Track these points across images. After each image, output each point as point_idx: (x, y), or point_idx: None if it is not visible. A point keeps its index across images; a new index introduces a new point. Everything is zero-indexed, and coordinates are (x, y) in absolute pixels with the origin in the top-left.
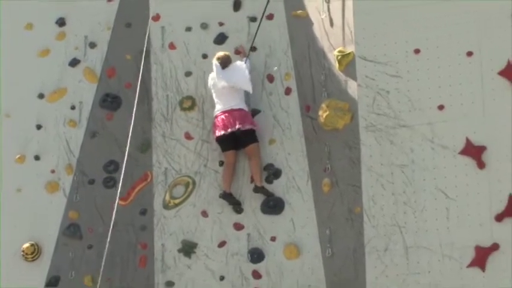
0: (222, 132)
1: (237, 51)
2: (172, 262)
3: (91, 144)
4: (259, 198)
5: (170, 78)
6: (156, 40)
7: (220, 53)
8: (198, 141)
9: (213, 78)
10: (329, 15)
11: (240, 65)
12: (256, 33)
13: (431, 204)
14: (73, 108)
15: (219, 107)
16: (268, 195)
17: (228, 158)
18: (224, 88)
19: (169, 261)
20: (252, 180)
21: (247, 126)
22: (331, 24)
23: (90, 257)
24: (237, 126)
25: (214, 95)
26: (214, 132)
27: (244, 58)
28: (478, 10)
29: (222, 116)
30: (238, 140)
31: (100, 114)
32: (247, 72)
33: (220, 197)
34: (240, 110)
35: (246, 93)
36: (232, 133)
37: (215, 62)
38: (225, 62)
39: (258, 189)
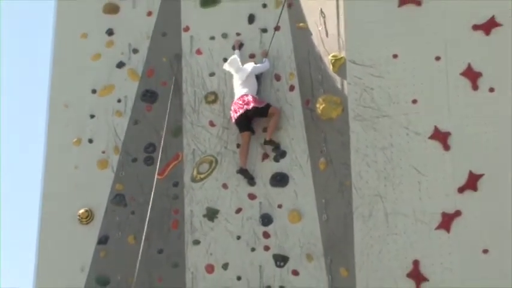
0: (238, 114)
1: (236, 46)
2: (199, 225)
3: (134, 130)
4: (269, 173)
5: (197, 77)
6: (186, 47)
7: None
8: (220, 127)
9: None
10: (325, 27)
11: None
12: (271, 43)
13: (406, 179)
14: (119, 101)
15: (236, 96)
16: (275, 146)
17: (244, 138)
18: (241, 77)
19: (196, 224)
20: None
21: (261, 105)
22: (327, 34)
23: (132, 221)
24: (252, 105)
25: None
26: (232, 117)
27: (264, 58)
28: (444, 23)
29: (238, 101)
30: (253, 119)
31: (141, 106)
32: (258, 66)
33: (237, 172)
34: (249, 95)
35: (258, 90)
36: (246, 115)
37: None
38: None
39: (266, 142)
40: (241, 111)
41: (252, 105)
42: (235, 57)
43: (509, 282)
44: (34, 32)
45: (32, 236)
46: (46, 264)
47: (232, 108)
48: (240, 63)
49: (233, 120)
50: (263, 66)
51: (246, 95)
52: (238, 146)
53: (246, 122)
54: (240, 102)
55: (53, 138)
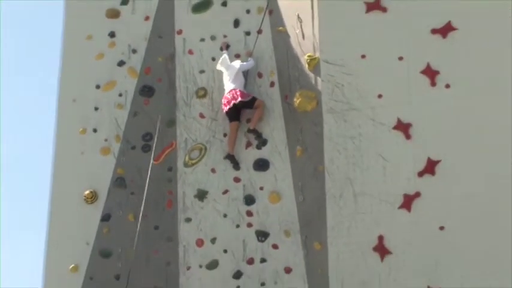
0: (228, 106)
1: (224, 47)
2: (190, 204)
3: (133, 121)
4: (252, 159)
5: (189, 74)
6: (179, 47)
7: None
8: (209, 119)
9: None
10: (301, 31)
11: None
12: (254, 44)
13: (372, 164)
14: (120, 95)
15: (226, 91)
16: (258, 135)
17: (232, 127)
18: (231, 74)
19: (188, 203)
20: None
21: (247, 98)
22: (303, 37)
23: (132, 201)
24: (240, 99)
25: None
26: (223, 109)
27: (249, 58)
28: (406, 28)
29: (227, 95)
30: (241, 111)
31: (139, 100)
32: (244, 64)
33: (225, 158)
34: (238, 89)
35: (244, 85)
36: (235, 107)
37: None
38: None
39: (250, 131)
40: (231, 104)
41: (239, 99)
42: (225, 56)
43: (462, 255)
44: (45, 35)
45: (43, 215)
46: (55, 239)
47: (222, 101)
48: (229, 62)
49: (224, 111)
50: (248, 64)
51: (235, 89)
52: (225, 135)
53: (235, 113)
54: (229, 96)
55: (62, 128)
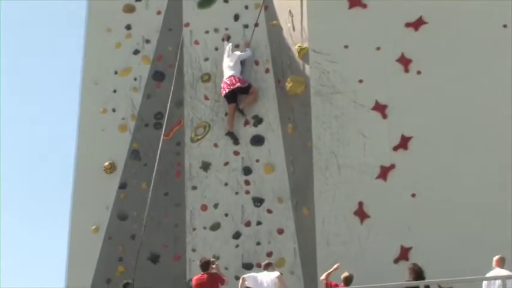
0: (227, 90)
1: (225, 38)
2: (196, 174)
3: (146, 102)
4: (249, 135)
5: (195, 62)
6: (187, 39)
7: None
8: (212, 100)
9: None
10: (292, 24)
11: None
12: (252, 36)
13: (353, 140)
14: (135, 79)
15: (225, 76)
16: (243, 113)
17: (231, 108)
18: (231, 61)
19: (194, 173)
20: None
21: (244, 84)
22: (294, 29)
23: (145, 171)
24: (238, 84)
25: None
26: (222, 92)
27: (247, 48)
28: (384, 21)
29: (227, 81)
30: (238, 95)
31: (152, 83)
32: (242, 54)
33: (225, 134)
34: (236, 76)
35: (242, 71)
36: (233, 91)
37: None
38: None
39: (239, 110)
40: (230, 88)
41: (237, 84)
42: (230, 45)
43: (430, 219)
44: (71, 28)
45: (69, 184)
46: (79, 204)
47: (222, 85)
48: (231, 51)
49: (222, 95)
50: (246, 54)
51: (234, 76)
52: (226, 114)
53: (232, 96)
54: (228, 81)
55: (85, 108)
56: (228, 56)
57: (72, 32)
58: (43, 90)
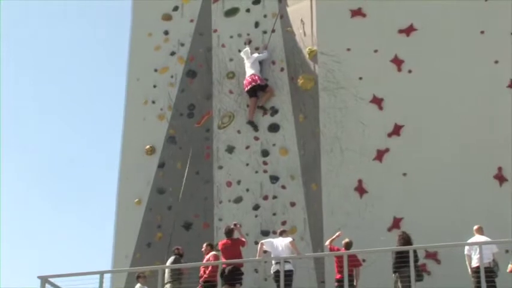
0: (249, 87)
1: (247, 42)
2: (222, 156)
3: (181, 96)
4: (267, 123)
5: (222, 62)
6: (215, 42)
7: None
8: (236, 94)
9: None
10: (303, 30)
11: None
12: (269, 40)
13: (354, 128)
14: (172, 77)
15: (247, 74)
16: (264, 109)
17: (252, 101)
18: (250, 62)
19: (220, 155)
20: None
21: (263, 83)
22: (305, 34)
23: (180, 153)
24: (258, 82)
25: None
26: (245, 88)
27: (264, 50)
28: (380, 28)
29: (248, 78)
30: (258, 91)
31: (185, 80)
32: (260, 55)
33: (247, 123)
34: (256, 75)
35: (260, 70)
36: (253, 88)
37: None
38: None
39: (259, 107)
40: (252, 85)
41: (258, 82)
42: (247, 49)
43: (419, 194)
44: (119, 34)
45: (116, 164)
46: (125, 181)
47: (245, 82)
48: (249, 53)
49: (245, 90)
50: (264, 55)
51: (254, 75)
52: (247, 106)
53: (253, 91)
54: (250, 79)
55: (130, 101)
56: (248, 57)
57: (120, 34)
58: (96, 86)
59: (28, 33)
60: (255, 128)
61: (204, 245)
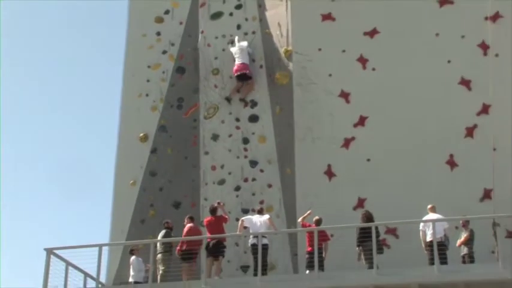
0: (239, 73)
1: (229, 42)
2: (208, 143)
3: (171, 89)
4: (247, 114)
5: (208, 60)
6: (202, 42)
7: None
8: (220, 88)
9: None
10: (280, 32)
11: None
12: (251, 41)
13: (324, 119)
14: (163, 72)
15: (236, 62)
16: (245, 101)
17: (237, 84)
18: (239, 50)
19: (206, 142)
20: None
21: (250, 75)
22: (281, 36)
23: (170, 140)
24: (247, 72)
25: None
26: (235, 72)
27: (249, 48)
28: (346, 31)
29: (240, 65)
30: (244, 79)
31: (175, 76)
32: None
33: (224, 98)
34: (247, 64)
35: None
36: (242, 74)
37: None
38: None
39: (241, 99)
40: (242, 71)
41: (248, 71)
42: (237, 37)
43: (381, 178)
44: (116, 33)
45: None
46: (121, 164)
47: (235, 67)
48: (237, 40)
49: (234, 74)
50: (250, 50)
51: (246, 64)
52: (228, 100)
53: (240, 78)
54: (242, 66)
55: (126, 93)
56: (238, 42)
57: (117, 34)
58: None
59: (33, 32)
60: (229, 102)
61: (186, 218)
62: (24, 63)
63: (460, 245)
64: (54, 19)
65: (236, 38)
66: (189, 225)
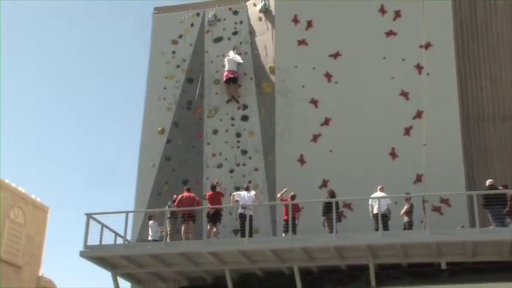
0: (228, 77)
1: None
2: (211, 135)
3: (183, 95)
4: (240, 115)
5: (210, 73)
6: (207, 60)
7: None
8: (220, 94)
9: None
10: (266, 53)
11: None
12: (240, 54)
13: (298, 119)
14: (177, 82)
15: (227, 68)
16: (236, 100)
17: (226, 86)
18: (227, 60)
19: (209, 135)
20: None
21: (237, 76)
22: (267, 55)
23: (181, 134)
24: (234, 75)
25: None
26: (225, 77)
27: (241, 61)
28: (317, 53)
29: (229, 72)
30: (231, 82)
31: (186, 84)
32: (238, 57)
33: (229, 99)
34: (236, 71)
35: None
36: (230, 78)
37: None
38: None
39: (234, 98)
40: (229, 76)
41: (235, 75)
42: (231, 51)
43: (343, 165)
44: (142, 52)
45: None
46: (144, 151)
47: (225, 73)
48: (232, 54)
49: (224, 79)
50: (241, 61)
51: (233, 71)
52: (228, 101)
53: (228, 80)
54: (229, 73)
55: (148, 97)
56: (231, 56)
57: (142, 52)
58: (125, 88)
59: (63, 37)
60: (236, 101)
61: (185, 189)
62: (73, 77)
63: (403, 214)
64: (92, 40)
65: (230, 52)
66: (184, 194)
